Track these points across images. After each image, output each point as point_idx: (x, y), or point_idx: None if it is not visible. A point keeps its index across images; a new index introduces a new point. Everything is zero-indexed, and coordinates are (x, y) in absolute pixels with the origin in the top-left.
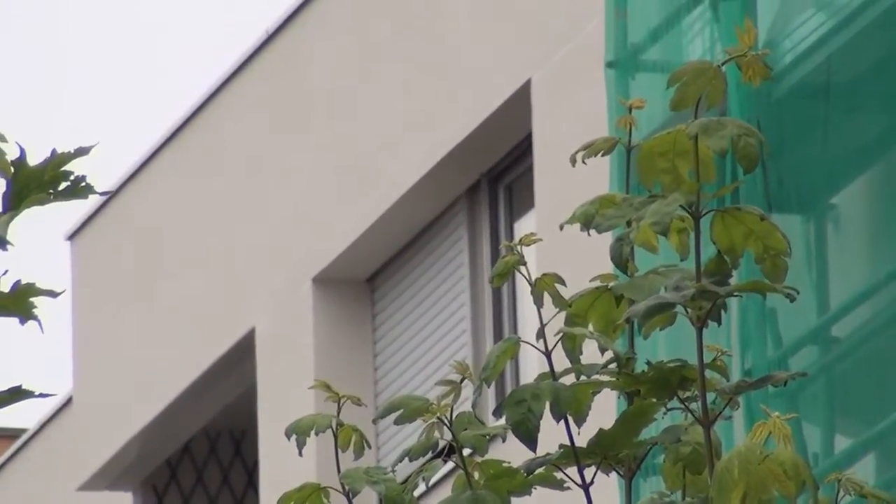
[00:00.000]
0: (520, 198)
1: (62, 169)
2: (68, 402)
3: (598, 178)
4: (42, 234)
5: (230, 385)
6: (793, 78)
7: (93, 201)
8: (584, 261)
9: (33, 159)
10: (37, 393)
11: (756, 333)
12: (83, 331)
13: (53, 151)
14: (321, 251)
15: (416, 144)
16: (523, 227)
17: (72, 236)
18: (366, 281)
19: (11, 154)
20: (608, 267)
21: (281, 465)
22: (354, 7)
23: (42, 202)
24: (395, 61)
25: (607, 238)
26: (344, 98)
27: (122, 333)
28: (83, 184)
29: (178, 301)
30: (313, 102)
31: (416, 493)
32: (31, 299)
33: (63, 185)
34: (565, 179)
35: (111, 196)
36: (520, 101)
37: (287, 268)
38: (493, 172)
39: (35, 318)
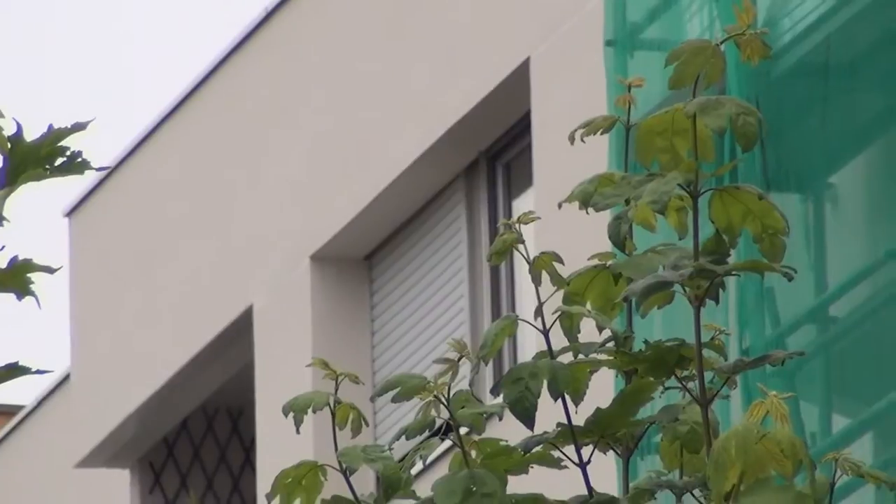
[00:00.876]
0: (518, 176)
1: (59, 144)
2: (66, 379)
3: (597, 156)
4: (41, 210)
5: (228, 363)
6: (792, 57)
7: (91, 178)
8: (583, 239)
9: (30, 135)
10: (34, 369)
11: (754, 312)
12: (81, 308)
13: (50, 127)
14: (319, 229)
15: (414, 122)
16: (522, 205)
17: (70, 213)
18: (364, 259)
19: (8, 130)
20: (606, 245)
21: (278, 443)
22: None
23: (39, 178)
24: (393, 39)
25: (606, 216)
26: (342, 76)
27: (120, 310)
28: (80, 159)
29: (175, 278)
30: (311, 80)
31: (414, 471)
32: (28, 275)
33: (60, 161)
34: (564, 158)
35: (109, 173)
36: (519, 80)
37: (285, 245)
38: (492, 151)
39: (32, 293)
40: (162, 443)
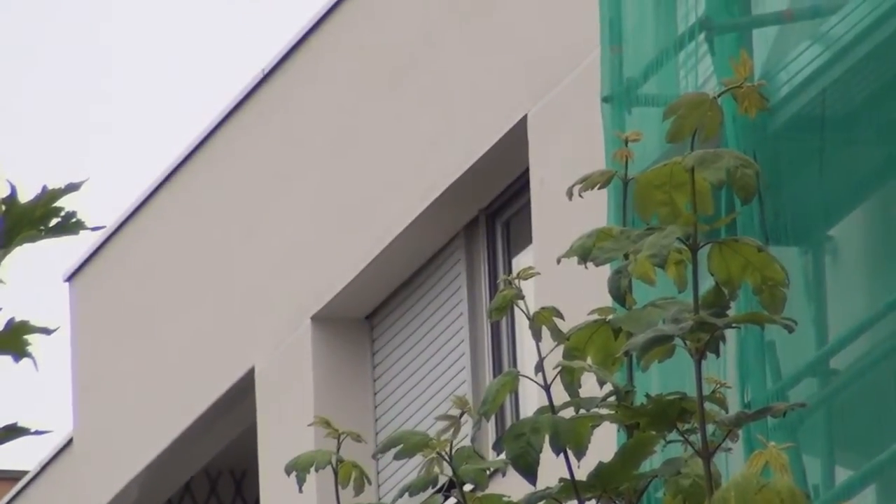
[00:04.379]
0: (518, 233)
1: (53, 205)
2: (68, 444)
3: (596, 212)
4: (41, 276)
5: (230, 425)
6: (788, 110)
7: (91, 243)
8: (583, 294)
9: (24, 196)
10: (33, 430)
11: (755, 365)
12: (83, 372)
13: (44, 188)
14: (320, 289)
15: (413, 181)
16: (522, 262)
17: (70, 278)
18: (365, 318)
19: (2, 192)
20: (606, 300)
21: None
22: (350, 45)
23: (33, 239)
24: (390, 99)
25: (605, 271)
26: (340, 136)
27: (122, 374)
28: (74, 219)
29: (177, 341)
30: (309, 141)
31: None
32: (26, 337)
33: (54, 221)
34: (563, 214)
35: (109, 237)
36: (516, 137)
37: (285, 306)
38: (491, 208)
39: (29, 355)
40: None
